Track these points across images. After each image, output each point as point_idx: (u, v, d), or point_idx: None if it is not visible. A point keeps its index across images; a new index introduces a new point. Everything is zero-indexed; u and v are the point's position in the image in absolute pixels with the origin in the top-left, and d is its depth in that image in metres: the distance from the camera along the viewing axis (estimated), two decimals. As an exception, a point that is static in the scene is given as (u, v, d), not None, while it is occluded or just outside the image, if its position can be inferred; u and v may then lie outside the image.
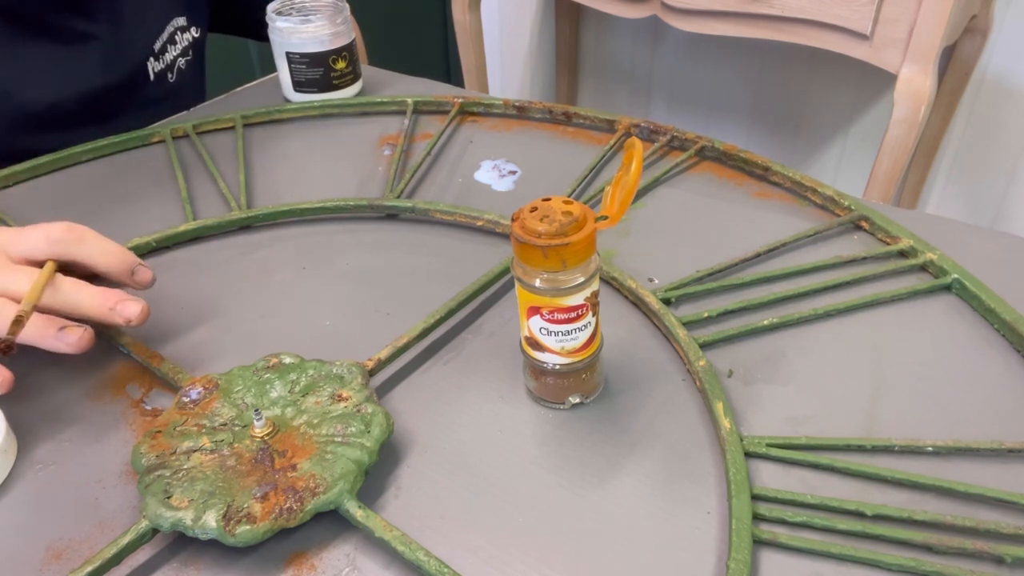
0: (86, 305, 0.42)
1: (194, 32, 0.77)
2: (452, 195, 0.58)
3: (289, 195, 0.59)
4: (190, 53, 0.78)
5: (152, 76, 0.73)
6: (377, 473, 0.37)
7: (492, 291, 0.49)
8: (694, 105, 1.67)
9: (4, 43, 0.63)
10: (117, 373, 0.44)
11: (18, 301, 0.41)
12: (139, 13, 0.71)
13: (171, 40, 0.74)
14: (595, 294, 0.37)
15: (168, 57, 0.74)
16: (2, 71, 0.63)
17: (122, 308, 0.42)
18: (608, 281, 0.49)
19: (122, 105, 0.71)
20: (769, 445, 0.37)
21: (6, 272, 0.42)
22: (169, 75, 0.75)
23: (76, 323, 0.41)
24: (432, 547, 0.33)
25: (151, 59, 0.72)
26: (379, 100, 0.70)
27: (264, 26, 0.70)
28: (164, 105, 0.74)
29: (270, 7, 0.69)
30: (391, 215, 0.56)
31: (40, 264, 0.43)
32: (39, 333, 0.40)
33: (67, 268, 0.43)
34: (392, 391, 0.42)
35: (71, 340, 0.41)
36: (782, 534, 0.33)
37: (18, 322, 0.38)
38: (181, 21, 0.75)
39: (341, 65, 0.70)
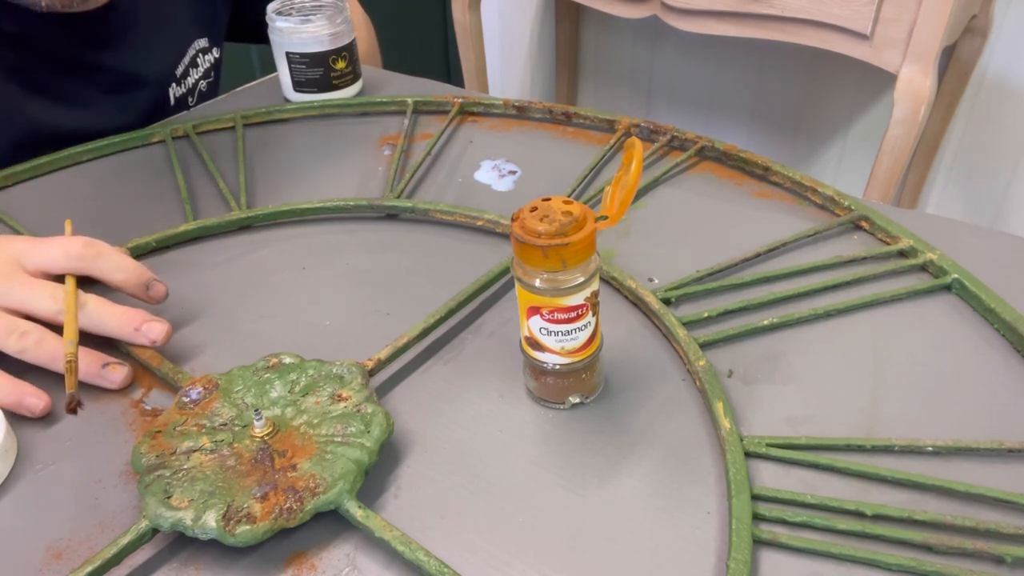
0: (111, 325, 0.42)
1: (215, 53, 0.76)
2: (452, 195, 0.58)
3: (289, 195, 0.59)
4: (212, 75, 0.76)
5: (173, 101, 0.72)
6: (377, 473, 0.37)
7: (492, 291, 0.49)
8: (694, 105, 1.67)
9: (18, 76, 0.62)
10: (117, 373, 0.43)
11: (38, 319, 0.41)
12: (160, 38, 0.69)
13: (193, 63, 0.73)
14: (595, 294, 0.37)
15: (190, 81, 0.73)
16: (16, 103, 0.62)
17: (147, 329, 0.42)
18: (608, 281, 0.49)
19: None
20: (769, 445, 0.37)
21: (27, 287, 0.42)
22: (190, 99, 0.74)
23: (118, 361, 0.42)
24: (432, 547, 0.33)
25: (173, 84, 0.71)
26: (379, 100, 0.70)
27: (266, 27, 0.70)
28: None
29: (270, 7, 0.69)
30: (391, 215, 0.56)
31: (55, 278, 0.43)
32: (85, 370, 0.41)
33: (81, 281, 0.44)
34: (392, 391, 0.42)
35: (116, 379, 0.41)
36: (782, 534, 0.33)
37: (70, 370, 0.38)
38: (203, 43, 0.74)
39: (341, 65, 0.70)
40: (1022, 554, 0.32)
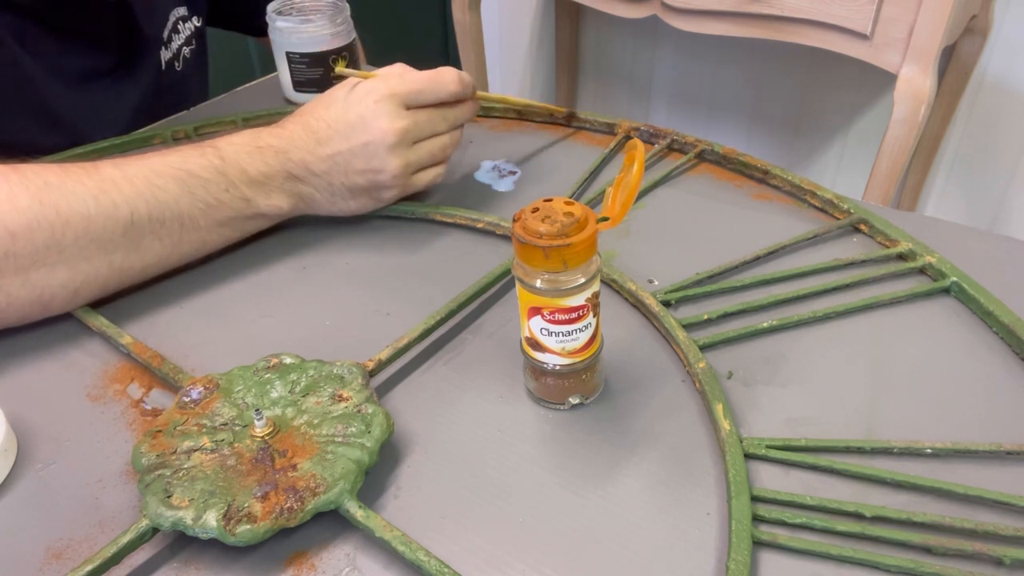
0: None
1: (195, 22, 0.79)
2: (452, 195, 0.58)
3: (289, 195, 0.59)
4: (193, 42, 0.79)
5: (163, 65, 0.74)
6: (377, 473, 0.37)
7: (492, 292, 0.49)
8: (694, 105, 1.67)
9: (30, 43, 0.63)
10: (117, 373, 0.44)
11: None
12: (145, 5, 0.71)
13: (175, 30, 0.76)
14: (596, 295, 0.37)
15: (174, 46, 0.76)
16: (29, 70, 0.63)
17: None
18: (608, 283, 0.49)
19: (140, 93, 0.72)
20: (769, 447, 0.37)
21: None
22: (176, 64, 0.76)
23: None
24: (432, 547, 0.33)
25: (162, 48, 0.74)
26: (379, 100, 0.70)
27: (257, 18, 0.70)
28: (174, 92, 0.75)
29: (270, 7, 0.69)
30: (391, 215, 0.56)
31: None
32: None
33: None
34: (392, 391, 0.42)
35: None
36: (781, 535, 0.33)
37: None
38: (182, 11, 0.77)
39: (341, 65, 0.70)
40: (1021, 556, 0.32)
